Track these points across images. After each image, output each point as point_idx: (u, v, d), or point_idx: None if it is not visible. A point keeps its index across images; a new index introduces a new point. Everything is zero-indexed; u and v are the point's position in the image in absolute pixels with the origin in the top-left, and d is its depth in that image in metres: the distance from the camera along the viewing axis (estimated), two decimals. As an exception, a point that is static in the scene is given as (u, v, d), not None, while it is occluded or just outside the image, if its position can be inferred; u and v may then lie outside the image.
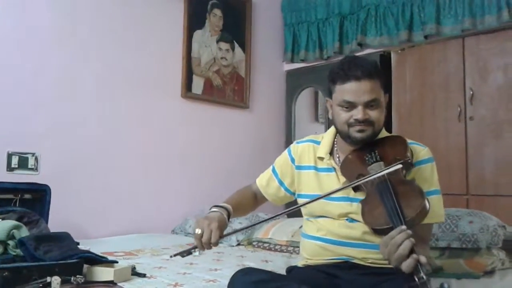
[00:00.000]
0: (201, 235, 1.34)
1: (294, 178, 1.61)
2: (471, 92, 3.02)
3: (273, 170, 1.67)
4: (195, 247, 1.35)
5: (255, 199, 1.69)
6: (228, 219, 1.46)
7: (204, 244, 1.34)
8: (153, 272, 1.83)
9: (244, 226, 1.61)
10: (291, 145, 1.66)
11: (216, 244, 1.34)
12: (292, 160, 1.61)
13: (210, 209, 1.47)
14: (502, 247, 2.08)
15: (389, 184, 1.28)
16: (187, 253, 1.35)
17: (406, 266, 1.09)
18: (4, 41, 2.59)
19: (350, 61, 1.42)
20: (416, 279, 1.06)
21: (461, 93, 3.08)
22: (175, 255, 1.36)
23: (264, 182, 1.68)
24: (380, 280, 1.36)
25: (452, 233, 2.01)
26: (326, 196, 1.40)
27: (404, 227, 1.15)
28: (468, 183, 3.00)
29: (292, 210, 1.40)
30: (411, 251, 1.10)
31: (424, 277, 1.05)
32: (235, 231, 1.48)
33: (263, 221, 1.60)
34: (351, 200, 1.44)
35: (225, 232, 1.40)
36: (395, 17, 3.40)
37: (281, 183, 1.64)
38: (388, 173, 1.30)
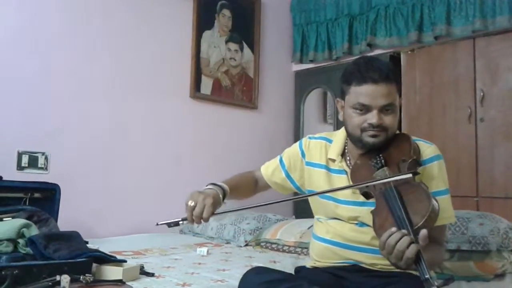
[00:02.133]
0: (194, 207, 1.29)
1: (303, 172, 1.57)
2: (482, 94, 3.00)
3: (280, 161, 1.63)
4: (184, 219, 1.30)
5: (256, 185, 1.66)
6: (223, 199, 1.41)
7: (194, 217, 1.29)
8: (161, 271, 1.83)
9: (237, 208, 1.44)
10: (303, 139, 1.62)
11: (206, 220, 1.30)
12: (303, 154, 1.58)
13: (206, 186, 1.43)
14: (513, 250, 2.06)
15: (394, 192, 1.24)
16: (174, 223, 1.28)
17: (404, 260, 1.10)
18: (14, 41, 2.61)
19: (367, 62, 1.37)
20: None
21: (471, 94, 3.05)
22: (161, 224, 1.29)
23: (270, 171, 1.64)
24: (388, 281, 1.34)
25: (462, 235, 1.99)
26: (332, 191, 1.41)
27: (394, 229, 1.13)
28: (478, 185, 2.97)
29: (298, 198, 1.41)
30: (409, 245, 1.09)
31: (435, 283, 1.03)
32: (228, 211, 1.40)
33: (259, 205, 1.37)
34: (361, 204, 1.41)
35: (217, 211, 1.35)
36: (405, 17, 3.38)
37: (287, 175, 1.60)
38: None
